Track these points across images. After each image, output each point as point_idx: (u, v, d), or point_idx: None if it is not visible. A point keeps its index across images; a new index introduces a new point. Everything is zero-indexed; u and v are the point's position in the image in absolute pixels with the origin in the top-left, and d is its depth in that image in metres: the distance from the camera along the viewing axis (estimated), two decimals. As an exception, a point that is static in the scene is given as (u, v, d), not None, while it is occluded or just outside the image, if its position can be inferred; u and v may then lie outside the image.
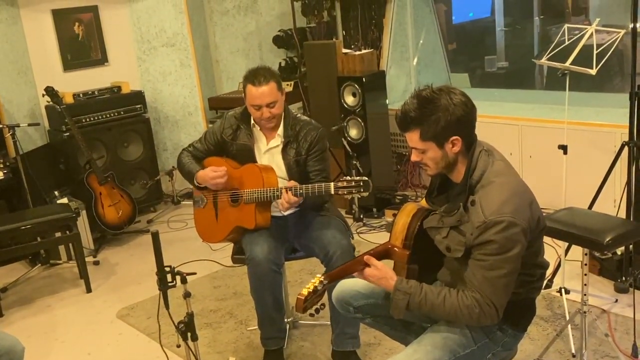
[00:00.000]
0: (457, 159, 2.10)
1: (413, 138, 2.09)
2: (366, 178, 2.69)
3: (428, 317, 2.28)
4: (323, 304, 2.21)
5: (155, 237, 2.48)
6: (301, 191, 2.83)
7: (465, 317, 2.05)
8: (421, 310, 2.12)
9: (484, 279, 2.01)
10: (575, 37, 3.43)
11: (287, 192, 2.82)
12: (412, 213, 2.24)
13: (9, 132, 4.56)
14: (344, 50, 5.17)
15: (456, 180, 2.14)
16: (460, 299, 2.05)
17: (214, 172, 3.04)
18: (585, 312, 2.87)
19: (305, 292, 2.11)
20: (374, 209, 5.07)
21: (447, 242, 2.11)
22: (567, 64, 3.33)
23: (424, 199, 2.31)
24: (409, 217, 2.23)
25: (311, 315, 2.19)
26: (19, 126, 4.66)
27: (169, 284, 2.53)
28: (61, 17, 5.40)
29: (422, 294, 2.09)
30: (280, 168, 3.06)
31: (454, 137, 2.05)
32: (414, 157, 2.14)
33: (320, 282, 2.15)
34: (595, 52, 3.25)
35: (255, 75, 2.96)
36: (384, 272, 2.18)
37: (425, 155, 2.11)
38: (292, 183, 2.88)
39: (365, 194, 2.70)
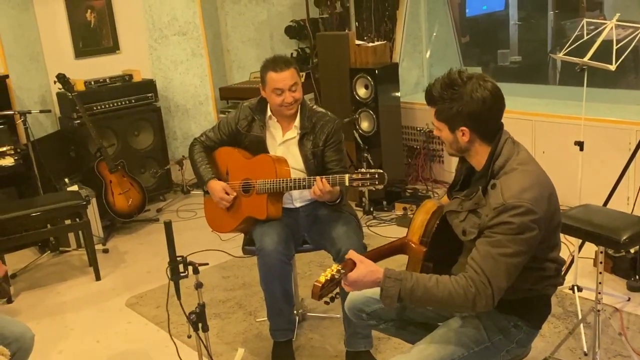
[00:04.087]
0: (469, 147, 2.09)
1: (433, 114, 2.12)
2: (381, 171, 2.67)
3: (442, 316, 2.25)
4: (338, 293, 2.20)
5: (168, 227, 2.46)
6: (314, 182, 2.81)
7: (460, 297, 1.96)
8: (414, 295, 2.00)
9: (488, 254, 1.96)
10: (593, 32, 3.39)
11: (321, 180, 2.79)
12: (431, 210, 2.22)
13: (20, 119, 4.56)
14: (357, 42, 5.13)
15: (477, 167, 2.13)
16: (453, 280, 1.99)
17: (225, 194, 3.05)
18: (599, 311, 2.84)
19: (322, 279, 2.09)
20: (384, 202, 5.05)
21: (464, 225, 2.09)
22: (586, 59, 3.28)
23: (445, 195, 2.29)
24: (428, 214, 2.21)
25: (326, 303, 2.16)
26: (30, 112, 4.64)
27: (181, 275, 2.51)
28: (73, 4, 5.38)
29: (414, 279, 2.01)
30: (296, 160, 3.04)
31: (463, 128, 2.05)
32: (435, 131, 2.18)
33: (338, 270, 2.13)
34: (615, 47, 3.20)
35: (275, 62, 2.98)
36: (369, 267, 2.07)
37: (441, 132, 2.13)
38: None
39: (380, 187, 2.68)
